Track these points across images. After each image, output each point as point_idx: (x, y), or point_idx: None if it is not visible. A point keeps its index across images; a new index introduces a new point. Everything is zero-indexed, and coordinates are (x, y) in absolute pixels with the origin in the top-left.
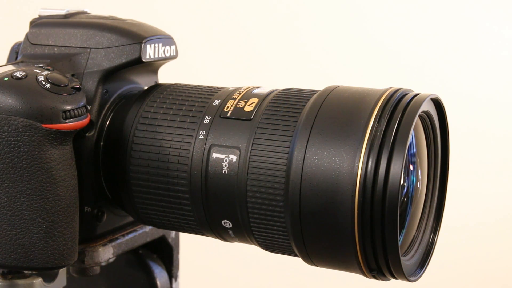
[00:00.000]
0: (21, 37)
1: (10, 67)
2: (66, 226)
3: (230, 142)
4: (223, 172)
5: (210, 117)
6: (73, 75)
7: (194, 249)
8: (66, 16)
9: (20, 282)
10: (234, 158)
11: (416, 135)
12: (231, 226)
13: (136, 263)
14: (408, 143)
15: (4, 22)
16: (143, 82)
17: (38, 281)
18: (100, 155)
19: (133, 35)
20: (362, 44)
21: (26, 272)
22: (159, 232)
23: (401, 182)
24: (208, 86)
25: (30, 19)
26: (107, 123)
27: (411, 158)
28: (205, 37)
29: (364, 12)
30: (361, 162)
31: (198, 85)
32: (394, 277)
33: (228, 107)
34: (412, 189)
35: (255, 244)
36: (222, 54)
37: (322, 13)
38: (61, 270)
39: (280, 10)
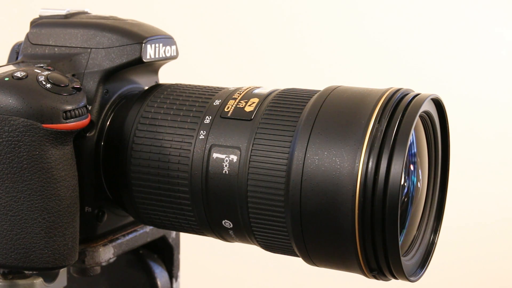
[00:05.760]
0: (21, 37)
1: (11, 67)
2: (67, 226)
3: (231, 142)
4: (224, 172)
5: (210, 117)
6: (73, 75)
7: (194, 249)
8: (66, 16)
9: (21, 282)
10: (234, 158)
11: (417, 135)
12: (231, 226)
13: (137, 263)
14: (409, 143)
15: (5, 22)
16: (144, 82)
17: (39, 281)
18: (100, 155)
19: (134, 35)
20: (363, 44)
21: (26, 272)
22: (159, 232)
23: (402, 182)
24: (208, 86)
25: (31, 19)
26: (108, 123)
27: (412, 158)
28: (205, 37)
29: (365, 12)
30: (361, 162)
31: (199, 85)
32: (395, 277)
33: (228, 107)
34: (413, 189)
35: (255, 244)
36: (223, 54)
37: (323, 13)
38: (61, 270)
39: (281, 10)
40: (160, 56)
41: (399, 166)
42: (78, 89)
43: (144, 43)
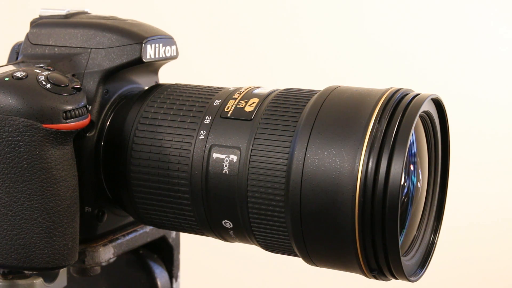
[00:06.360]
0: (21, 37)
1: (11, 67)
2: (67, 226)
3: (231, 142)
4: (224, 172)
5: (210, 117)
6: (73, 75)
7: (194, 249)
8: (66, 16)
9: (21, 282)
10: (234, 158)
11: (417, 135)
12: (231, 226)
13: (137, 263)
14: (409, 143)
15: (5, 22)
16: (144, 82)
17: (39, 281)
18: (100, 155)
19: (134, 35)
20: (363, 44)
21: (26, 272)
22: (159, 232)
23: (402, 182)
24: (208, 86)
25: (31, 19)
26: (108, 123)
27: (412, 158)
28: (205, 37)
29: (365, 12)
30: (361, 162)
31: (199, 85)
32: (395, 277)
33: (228, 107)
34: (413, 189)
35: (255, 244)
36: (223, 54)
37: (323, 13)
38: (61, 270)
39: (281, 10)
40: (160, 56)
41: (399, 166)
42: (78, 89)
43: (144, 43)
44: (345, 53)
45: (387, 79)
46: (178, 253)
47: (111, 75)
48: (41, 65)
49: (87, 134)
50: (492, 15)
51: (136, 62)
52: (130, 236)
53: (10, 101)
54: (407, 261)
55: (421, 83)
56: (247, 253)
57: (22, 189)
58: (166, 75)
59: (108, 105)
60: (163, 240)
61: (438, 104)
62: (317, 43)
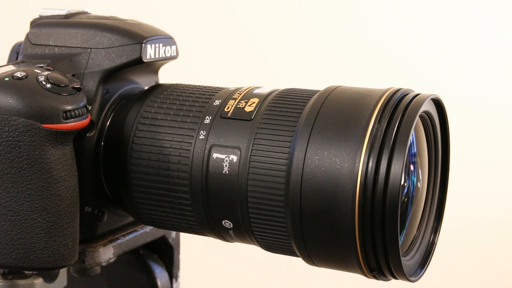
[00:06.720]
0: (21, 37)
1: (11, 67)
2: (67, 226)
3: (231, 142)
4: (224, 172)
5: (210, 117)
6: (73, 75)
7: (194, 249)
8: (66, 16)
9: (21, 282)
10: (234, 158)
11: (417, 135)
12: (231, 226)
13: (137, 263)
14: (409, 143)
15: (5, 22)
16: (144, 82)
17: (39, 281)
18: (100, 155)
19: (134, 35)
20: (363, 44)
21: (26, 272)
22: (159, 232)
23: (402, 183)
24: (208, 86)
25: (31, 19)
26: (108, 123)
27: (412, 158)
28: (205, 37)
29: (365, 12)
30: (361, 162)
31: (199, 85)
32: (395, 277)
33: (228, 107)
34: (413, 189)
35: (255, 244)
36: (223, 54)
37: (323, 13)
38: (61, 270)
39: (281, 10)
40: (160, 56)
41: (399, 166)
42: (78, 89)
43: (144, 43)
44: (345, 53)
45: (387, 79)
46: (178, 253)
47: (111, 75)
48: (41, 65)
49: (87, 134)
50: (492, 15)
51: (136, 62)
52: (130, 236)
53: (10, 101)
54: (407, 261)
55: (421, 83)
56: (247, 253)
57: (22, 189)
58: (166, 75)
59: (108, 105)
60: (163, 240)
61: (438, 104)
62: (317, 43)
